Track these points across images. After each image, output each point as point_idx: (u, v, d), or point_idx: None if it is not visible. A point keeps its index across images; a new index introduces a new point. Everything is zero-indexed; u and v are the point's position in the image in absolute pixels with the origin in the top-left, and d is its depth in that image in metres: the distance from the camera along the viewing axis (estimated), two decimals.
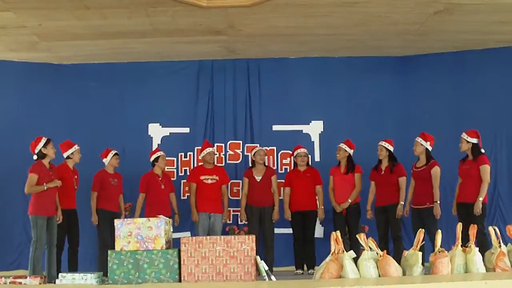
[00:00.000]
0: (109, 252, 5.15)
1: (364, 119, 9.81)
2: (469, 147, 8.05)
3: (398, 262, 5.06)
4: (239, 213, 9.37)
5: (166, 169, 9.42)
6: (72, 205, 8.41)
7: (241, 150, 9.92)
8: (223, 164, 9.69)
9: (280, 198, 9.22)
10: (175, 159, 9.85)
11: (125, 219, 5.31)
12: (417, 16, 8.12)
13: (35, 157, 7.85)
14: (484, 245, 6.48)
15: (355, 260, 5.01)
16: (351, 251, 5.07)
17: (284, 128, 9.93)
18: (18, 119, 9.67)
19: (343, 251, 5.00)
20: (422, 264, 5.05)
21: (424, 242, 5.18)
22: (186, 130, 10.02)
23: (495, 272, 5.08)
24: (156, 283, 5.02)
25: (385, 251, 5.07)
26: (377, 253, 5.00)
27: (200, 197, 8.98)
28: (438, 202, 8.18)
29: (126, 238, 5.16)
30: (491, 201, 9.36)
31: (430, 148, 8.34)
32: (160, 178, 8.94)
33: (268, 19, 8.14)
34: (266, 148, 9.50)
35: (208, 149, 9.09)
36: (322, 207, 9.07)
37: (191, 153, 9.90)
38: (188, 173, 9.63)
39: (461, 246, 5.16)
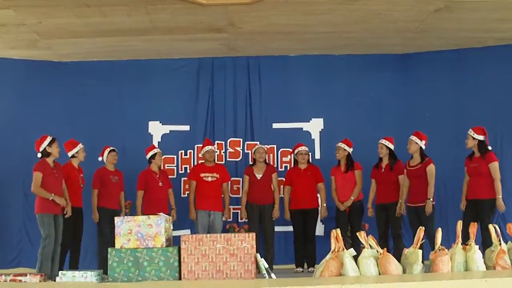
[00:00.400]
0: (109, 249, 5.15)
1: (364, 116, 9.81)
2: (475, 143, 8.06)
3: (398, 260, 5.06)
4: (239, 211, 9.37)
5: (166, 167, 9.42)
6: (79, 203, 8.41)
7: (241, 147, 9.92)
8: (223, 162, 9.69)
9: (280, 196, 9.22)
10: (175, 156, 9.85)
11: (125, 217, 5.31)
12: (417, 14, 8.11)
13: (39, 155, 7.85)
14: (489, 242, 6.48)
15: (355, 258, 5.01)
16: (351, 249, 5.08)
17: (285, 125, 9.92)
18: (18, 117, 9.66)
19: (343, 249, 5.00)
20: (422, 262, 5.05)
21: (424, 240, 5.19)
22: (186, 127, 10.01)
23: (495, 270, 5.08)
24: (156, 281, 5.02)
25: (385, 249, 5.07)
26: (377, 251, 5.00)
27: (200, 195, 8.98)
28: (431, 199, 8.18)
29: (126, 236, 5.16)
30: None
31: (424, 147, 8.35)
32: (157, 175, 8.94)
33: (268, 16, 8.13)
34: (266, 146, 9.48)
35: (208, 147, 9.08)
36: (325, 204, 9.08)
37: (191, 150, 9.89)
38: (188, 171, 9.63)
39: (462, 244, 5.17)
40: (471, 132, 8.09)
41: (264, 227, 8.99)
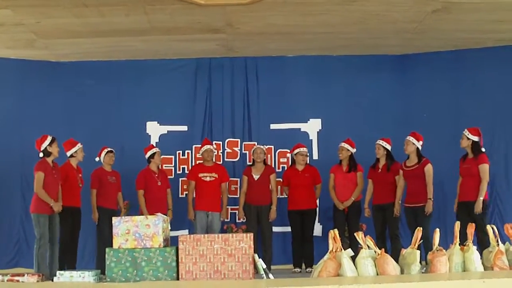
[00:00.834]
0: (107, 250, 5.14)
1: (362, 117, 9.81)
2: (469, 144, 8.07)
3: (396, 260, 5.06)
4: (237, 211, 9.37)
5: (164, 167, 9.42)
6: (77, 203, 8.43)
7: (239, 148, 9.92)
8: (221, 162, 9.69)
9: (279, 196, 9.22)
10: (173, 157, 9.84)
11: (123, 217, 5.31)
12: (415, 15, 8.11)
13: (41, 154, 7.88)
14: (484, 243, 6.48)
15: (353, 258, 5.01)
16: (349, 249, 5.07)
17: (282, 126, 9.92)
18: (15, 117, 9.66)
19: (341, 249, 5.00)
20: (420, 262, 5.05)
21: (422, 241, 5.19)
22: (184, 128, 10.01)
23: (493, 271, 5.08)
24: (153, 281, 5.02)
25: (383, 249, 5.07)
26: (375, 252, 5.00)
27: (198, 195, 8.99)
28: (432, 199, 8.19)
29: (124, 236, 5.15)
30: (489, 200, 9.36)
31: (420, 147, 8.35)
32: (156, 175, 8.94)
33: (266, 17, 8.13)
34: (265, 146, 9.46)
35: (207, 147, 9.09)
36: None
37: (189, 151, 9.89)
38: (186, 171, 9.63)
39: (459, 244, 5.17)
40: (466, 132, 8.10)
41: (262, 228, 9.00)
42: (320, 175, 9.12)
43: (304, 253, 8.95)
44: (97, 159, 8.87)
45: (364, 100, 9.89)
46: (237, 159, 9.90)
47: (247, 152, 9.79)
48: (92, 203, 8.66)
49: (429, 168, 8.27)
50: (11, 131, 9.60)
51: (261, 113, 10.00)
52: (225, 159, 9.85)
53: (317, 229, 9.37)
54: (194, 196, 9.07)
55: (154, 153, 8.99)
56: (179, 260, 5.07)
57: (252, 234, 5.17)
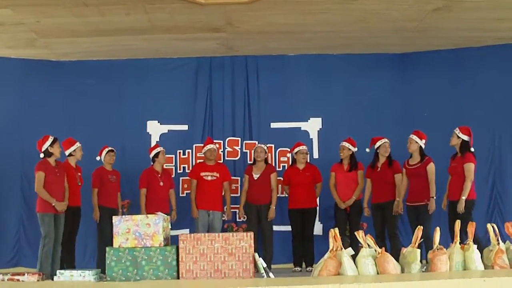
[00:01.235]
0: (107, 249, 5.15)
1: (363, 116, 9.79)
2: (459, 142, 8.07)
3: (396, 259, 5.06)
4: (237, 210, 9.37)
5: (164, 167, 9.41)
6: (77, 202, 8.42)
7: (239, 147, 9.91)
8: (222, 161, 9.68)
9: (279, 195, 9.22)
10: (173, 156, 9.83)
11: (123, 216, 5.31)
12: (415, 13, 8.11)
13: (42, 155, 7.90)
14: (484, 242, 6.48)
15: (354, 257, 5.01)
16: (349, 248, 5.08)
17: (283, 125, 9.91)
18: (16, 116, 9.65)
19: (342, 248, 5.00)
20: (421, 261, 5.05)
21: (422, 240, 5.19)
22: (185, 127, 10.00)
23: (493, 270, 5.09)
24: (154, 280, 5.02)
25: (383, 248, 5.07)
26: (375, 251, 5.00)
27: (199, 194, 8.98)
28: (434, 197, 8.18)
29: (124, 235, 5.17)
30: (490, 199, 9.38)
31: (423, 146, 8.34)
32: (159, 175, 8.93)
33: (266, 16, 8.12)
34: (266, 145, 9.44)
35: (209, 146, 9.08)
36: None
37: (190, 150, 9.88)
38: (186, 171, 9.63)
39: (459, 243, 5.17)
40: (456, 131, 8.10)
41: (263, 227, 9.00)
42: (320, 173, 9.11)
43: (304, 252, 8.95)
44: (98, 158, 8.87)
45: (364, 99, 9.88)
46: (237, 158, 9.89)
47: (248, 151, 9.78)
48: (93, 202, 8.65)
49: (431, 167, 8.26)
50: (11, 131, 9.59)
51: (261, 112, 9.99)
52: (226, 158, 9.84)
53: (318, 228, 9.36)
54: (196, 195, 9.05)
55: (158, 153, 8.98)
56: (180, 259, 5.08)
57: (252, 233, 5.18)
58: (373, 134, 8.92)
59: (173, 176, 9.61)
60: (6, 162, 9.46)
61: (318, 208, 9.19)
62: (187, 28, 8.55)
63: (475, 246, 5.17)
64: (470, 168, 7.92)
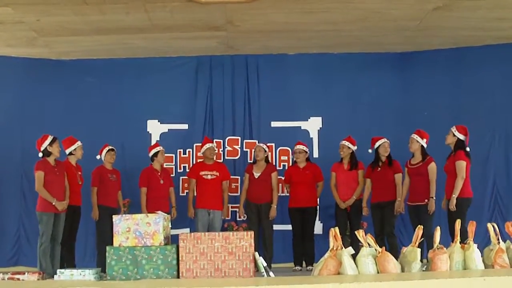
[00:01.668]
0: (108, 248, 5.15)
1: (363, 115, 9.79)
2: (454, 141, 8.07)
3: (394, 258, 5.06)
4: (237, 209, 9.37)
5: (165, 166, 9.41)
6: (77, 201, 8.43)
7: (239, 146, 9.91)
8: (222, 160, 9.68)
9: (280, 194, 9.22)
10: (173, 155, 9.83)
11: (124, 215, 5.31)
12: (416, 12, 8.10)
13: (40, 154, 7.91)
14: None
15: (354, 256, 5.01)
16: (350, 248, 5.07)
17: (283, 124, 9.91)
18: (16, 115, 9.65)
19: (342, 248, 5.00)
20: (421, 260, 5.05)
21: (422, 239, 5.19)
22: (185, 126, 10.00)
23: (493, 269, 5.09)
24: (154, 279, 5.02)
25: (383, 247, 5.07)
26: (375, 250, 5.00)
27: (199, 193, 8.98)
28: (434, 198, 8.17)
29: (125, 234, 5.16)
30: (490, 198, 9.38)
31: (425, 145, 8.34)
32: (159, 173, 8.93)
33: (266, 15, 8.12)
34: (266, 144, 9.43)
35: (208, 145, 9.08)
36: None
37: (190, 149, 9.88)
38: (187, 170, 9.63)
39: (460, 242, 5.17)
40: (453, 129, 8.10)
41: (263, 226, 9.00)
42: (322, 172, 9.10)
43: (304, 251, 8.94)
44: (98, 157, 8.86)
45: (364, 98, 9.87)
46: (237, 157, 9.89)
47: (248, 150, 9.78)
48: (93, 201, 8.65)
49: (432, 167, 8.25)
50: (12, 129, 9.60)
51: (261, 111, 9.99)
52: (226, 157, 9.84)
53: (318, 227, 9.36)
54: (195, 194, 9.06)
55: (158, 152, 8.98)
56: (180, 258, 5.08)
57: (252, 232, 5.18)
58: (373, 133, 8.92)
59: (173, 175, 9.61)
60: (6, 161, 9.47)
61: (318, 207, 9.18)
62: (187, 27, 8.54)
63: (475, 245, 5.16)
64: (461, 166, 7.91)
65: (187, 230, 9.21)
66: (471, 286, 4.51)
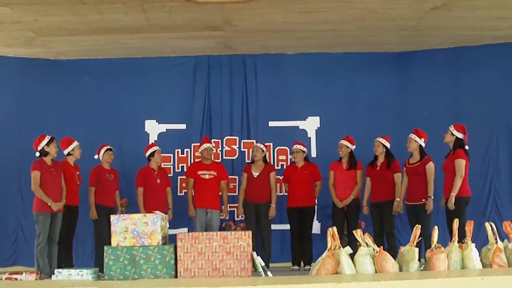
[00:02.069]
0: (105, 247, 5.14)
1: (361, 115, 9.80)
2: (453, 140, 8.08)
3: (392, 257, 5.06)
4: (235, 209, 9.37)
5: (162, 166, 9.41)
6: (75, 201, 8.42)
7: (237, 146, 9.90)
8: (220, 160, 9.68)
9: (278, 194, 9.21)
10: (171, 155, 9.83)
11: (121, 215, 5.31)
12: (414, 12, 8.11)
13: (37, 154, 7.90)
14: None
15: (352, 256, 5.01)
16: (348, 247, 5.07)
17: (281, 124, 9.91)
18: (14, 115, 9.65)
19: (340, 247, 5.00)
20: (419, 260, 5.05)
21: (420, 238, 5.18)
22: (183, 126, 9.99)
23: (491, 268, 5.08)
24: (152, 279, 5.02)
25: (381, 247, 5.07)
26: (373, 249, 5.00)
27: (197, 193, 8.99)
28: (432, 197, 8.17)
29: (122, 234, 5.16)
30: (488, 197, 9.38)
31: (423, 145, 8.34)
32: (156, 173, 8.93)
33: (264, 14, 8.12)
34: (263, 144, 9.42)
35: (206, 145, 9.08)
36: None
37: (188, 149, 9.87)
38: (185, 170, 9.63)
39: (458, 242, 5.17)
40: (451, 128, 8.11)
41: (261, 225, 9.00)
42: (320, 172, 9.10)
43: (302, 251, 8.95)
44: (96, 157, 8.85)
45: (362, 98, 9.87)
46: (235, 157, 9.89)
47: (246, 150, 9.78)
48: (90, 201, 8.63)
49: (430, 166, 8.25)
50: (9, 129, 9.59)
51: (259, 111, 9.98)
52: (224, 157, 9.83)
53: (316, 227, 9.36)
54: (193, 193, 9.06)
55: (154, 151, 8.98)
56: (178, 258, 5.08)
57: (250, 232, 5.18)
58: (371, 133, 8.93)
59: (171, 175, 9.61)
60: (4, 160, 9.46)
61: (316, 207, 9.19)
62: (185, 27, 8.54)
63: (473, 245, 5.16)
64: (460, 164, 7.91)
65: (185, 229, 9.21)
66: (469, 285, 4.51)
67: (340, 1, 7.68)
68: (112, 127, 9.76)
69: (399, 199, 8.46)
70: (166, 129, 9.94)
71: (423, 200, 8.14)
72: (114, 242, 5.16)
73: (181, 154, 9.88)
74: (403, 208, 8.48)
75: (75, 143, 8.47)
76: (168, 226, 5.60)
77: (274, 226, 9.21)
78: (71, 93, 9.84)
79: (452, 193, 7.81)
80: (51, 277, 5.29)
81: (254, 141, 9.63)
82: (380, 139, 8.66)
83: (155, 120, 9.93)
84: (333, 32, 8.94)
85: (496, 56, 9.46)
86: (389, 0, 7.68)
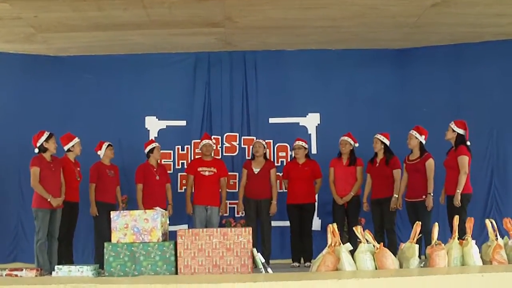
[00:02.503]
0: (106, 244, 5.14)
1: (361, 111, 9.79)
2: (454, 136, 8.07)
3: (393, 254, 5.06)
4: (235, 206, 9.37)
5: (163, 162, 9.41)
6: (75, 198, 8.43)
7: (237, 142, 9.90)
8: (220, 157, 9.68)
9: (278, 191, 9.21)
10: (171, 152, 9.83)
11: (122, 211, 5.30)
12: (414, 9, 8.10)
13: (36, 150, 7.89)
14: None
15: (352, 252, 5.01)
16: (348, 244, 5.07)
17: (281, 120, 9.91)
18: (14, 111, 9.64)
19: (340, 244, 5.00)
20: (419, 256, 5.05)
21: (421, 235, 5.18)
22: (183, 123, 9.99)
23: (491, 265, 5.08)
24: (152, 275, 5.02)
25: (381, 243, 5.07)
26: (374, 246, 5.00)
27: (197, 189, 8.99)
28: (432, 194, 8.17)
29: (123, 230, 5.15)
30: (488, 194, 9.38)
31: (424, 142, 8.33)
32: (155, 169, 8.93)
33: (265, 11, 8.11)
34: (264, 140, 9.41)
35: (205, 141, 9.08)
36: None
37: (188, 146, 9.87)
38: (185, 166, 9.63)
39: (458, 238, 5.17)
40: (452, 125, 8.10)
41: (261, 222, 9.00)
42: (320, 169, 9.10)
43: (303, 248, 8.95)
44: (98, 152, 8.83)
45: (363, 94, 9.87)
46: (235, 154, 9.89)
47: (246, 146, 9.78)
48: (91, 198, 8.64)
49: (430, 163, 8.24)
50: (9, 126, 9.58)
51: (260, 107, 9.98)
52: (224, 154, 9.84)
53: (316, 224, 9.37)
54: (193, 190, 9.06)
55: (153, 148, 8.99)
56: (178, 255, 5.07)
57: (251, 228, 5.17)
58: (371, 129, 8.92)
59: (171, 171, 9.62)
60: (4, 157, 9.46)
61: (316, 203, 9.19)
62: (185, 23, 8.53)
63: (473, 241, 5.16)
64: (463, 161, 7.90)
65: (185, 226, 9.21)
66: (469, 282, 4.51)
67: None
68: (112, 124, 9.76)
69: (397, 195, 8.46)
70: (166, 126, 9.94)
71: (423, 196, 8.14)
72: (114, 239, 5.15)
73: (181, 150, 9.88)
74: (403, 204, 8.48)
75: (76, 140, 8.47)
76: (168, 222, 5.59)
77: (274, 223, 9.21)
78: (71, 90, 9.84)
79: (458, 190, 7.80)
80: (51, 274, 5.29)
81: (254, 137, 9.63)
82: (378, 136, 8.66)
83: (155, 117, 9.94)
84: (333, 28, 8.93)
85: (496, 52, 9.45)
86: None
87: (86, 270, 5.03)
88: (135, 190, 8.92)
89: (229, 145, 9.90)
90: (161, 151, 9.31)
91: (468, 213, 7.49)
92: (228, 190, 9.36)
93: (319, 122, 9.90)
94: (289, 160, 9.57)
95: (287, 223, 9.15)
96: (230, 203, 9.48)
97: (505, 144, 9.48)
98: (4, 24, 8.32)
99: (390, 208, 8.43)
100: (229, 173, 9.50)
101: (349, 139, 8.90)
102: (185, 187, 9.44)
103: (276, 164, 9.56)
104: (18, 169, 9.41)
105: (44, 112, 9.54)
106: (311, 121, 9.91)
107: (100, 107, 9.81)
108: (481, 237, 6.05)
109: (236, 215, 9.54)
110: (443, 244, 5.09)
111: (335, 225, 5.09)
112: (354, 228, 5.11)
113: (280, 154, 9.86)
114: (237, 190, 9.43)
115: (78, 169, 8.52)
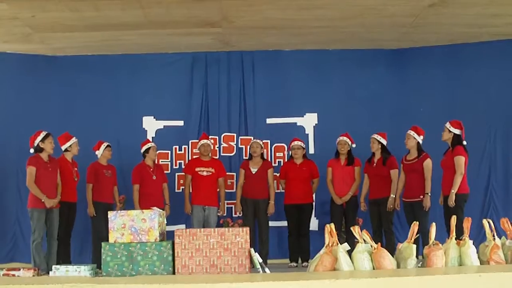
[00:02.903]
0: (103, 244, 5.14)
1: (359, 111, 9.79)
2: (451, 137, 8.06)
3: (390, 254, 5.06)
4: (233, 206, 9.36)
5: (160, 162, 9.41)
6: (73, 198, 8.41)
7: (235, 142, 9.90)
8: (217, 157, 9.67)
9: (276, 191, 9.21)
10: (169, 152, 9.83)
11: (119, 211, 5.30)
12: (412, 9, 8.11)
13: (32, 150, 7.87)
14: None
15: (350, 252, 5.01)
16: (345, 244, 5.07)
17: (279, 120, 9.91)
18: (11, 111, 9.63)
19: (338, 244, 5.00)
20: (417, 257, 5.05)
21: (418, 235, 5.19)
22: (180, 123, 9.99)
23: (489, 265, 5.09)
24: (149, 275, 5.01)
25: (379, 243, 5.07)
26: (371, 246, 5.00)
27: (195, 189, 8.98)
28: (429, 194, 8.17)
29: (120, 230, 5.15)
30: (485, 194, 9.38)
31: (421, 142, 8.34)
32: (151, 169, 8.92)
33: (262, 11, 8.11)
34: (261, 140, 9.41)
35: (203, 141, 9.07)
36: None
37: (186, 146, 9.87)
38: (182, 167, 9.62)
39: (455, 238, 5.17)
40: (447, 125, 8.09)
41: (259, 222, 9.00)
42: (318, 169, 9.10)
43: (300, 248, 8.94)
44: (97, 152, 8.83)
45: (360, 95, 9.87)
46: (233, 154, 9.89)
47: (243, 146, 9.78)
48: (88, 198, 8.63)
49: (428, 163, 8.24)
50: (7, 126, 9.58)
51: (257, 108, 9.98)
52: (221, 154, 9.83)
53: (314, 224, 9.36)
54: (191, 190, 9.06)
55: (149, 148, 8.97)
56: (175, 255, 5.07)
57: (248, 228, 5.17)
58: (369, 129, 8.92)
59: (168, 172, 9.61)
60: (2, 157, 9.45)
61: (314, 203, 9.19)
62: (182, 23, 8.53)
63: (471, 241, 5.16)
64: (460, 161, 7.90)
65: (183, 226, 9.20)
66: (467, 282, 4.51)
67: None
68: (109, 124, 9.75)
69: (394, 195, 8.46)
70: (164, 126, 9.94)
71: (420, 197, 8.14)
72: (111, 239, 5.15)
73: (179, 150, 9.87)
74: (401, 205, 8.48)
75: (73, 140, 8.47)
76: (165, 222, 5.59)
77: (271, 223, 9.20)
78: (68, 89, 9.83)
79: (453, 190, 7.80)
80: (48, 274, 5.28)
81: (252, 137, 9.62)
82: (375, 136, 8.66)
83: (152, 117, 9.93)
84: (331, 28, 8.93)
85: (493, 53, 9.47)
86: None
87: (83, 270, 5.03)
88: (132, 191, 8.90)
89: (227, 145, 9.90)
90: (159, 151, 9.31)
91: (466, 213, 7.49)
92: (226, 190, 9.35)
93: (316, 122, 9.89)
94: (286, 160, 9.55)
95: (285, 223, 9.15)
96: (227, 203, 9.46)
97: (503, 143, 9.49)
98: (1, 24, 8.31)
99: (387, 208, 8.44)
100: (227, 173, 9.48)
101: (347, 139, 8.91)
102: (182, 187, 9.43)
103: (273, 164, 9.56)
104: (15, 169, 9.40)
105: (41, 112, 9.54)
106: (308, 121, 9.91)
107: (97, 107, 9.81)
108: (478, 237, 6.07)
109: (233, 215, 9.54)
110: (440, 244, 5.09)
111: (332, 225, 5.09)
112: (351, 228, 5.11)
113: (278, 154, 9.86)
114: (234, 190, 9.42)
115: (76, 169, 8.51)
